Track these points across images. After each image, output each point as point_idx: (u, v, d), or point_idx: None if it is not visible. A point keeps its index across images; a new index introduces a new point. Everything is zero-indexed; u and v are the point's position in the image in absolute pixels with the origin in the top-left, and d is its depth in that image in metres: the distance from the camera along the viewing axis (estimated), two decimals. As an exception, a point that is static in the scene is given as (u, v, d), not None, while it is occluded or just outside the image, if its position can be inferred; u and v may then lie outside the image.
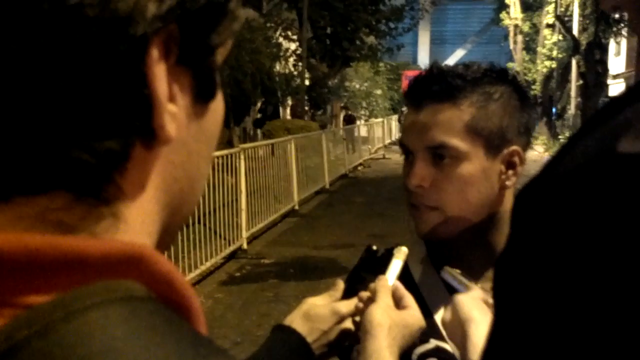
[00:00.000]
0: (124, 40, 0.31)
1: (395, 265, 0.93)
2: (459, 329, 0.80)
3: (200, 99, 0.37)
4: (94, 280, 0.31)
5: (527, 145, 0.99)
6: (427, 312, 0.95)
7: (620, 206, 0.30)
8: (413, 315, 0.86)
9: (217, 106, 0.40)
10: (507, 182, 0.96)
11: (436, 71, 0.97)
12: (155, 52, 0.32)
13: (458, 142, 0.93)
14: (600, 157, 0.32)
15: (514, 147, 0.96)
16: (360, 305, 0.89)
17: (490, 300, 0.81)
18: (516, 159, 0.96)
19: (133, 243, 0.33)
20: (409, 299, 0.88)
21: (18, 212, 0.31)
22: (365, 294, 0.89)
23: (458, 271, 0.92)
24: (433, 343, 0.93)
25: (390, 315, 0.84)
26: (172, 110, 0.34)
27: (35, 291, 0.30)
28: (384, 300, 0.86)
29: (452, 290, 0.89)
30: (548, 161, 0.37)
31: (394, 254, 0.96)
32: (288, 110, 17.77)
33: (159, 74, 0.33)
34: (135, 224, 0.35)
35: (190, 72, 0.35)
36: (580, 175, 0.32)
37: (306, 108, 15.98)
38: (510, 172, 0.96)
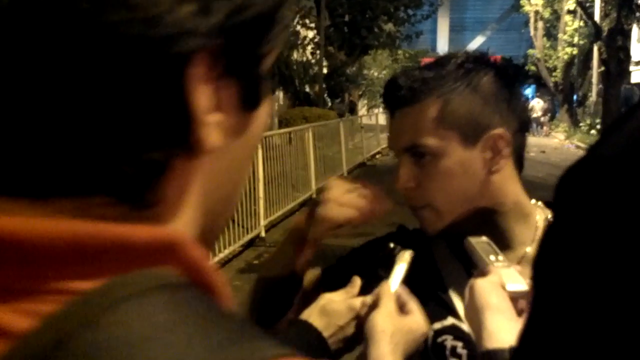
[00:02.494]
0: (167, 57, 0.31)
1: (399, 270, 0.93)
2: (475, 315, 0.79)
3: (247, 106, 0.37)
4: (136, 267, 0.31)
5: (521, 126, 0.99)
6: (445, 290, 0.97)
7: None
8: (416, 321, 0.86)
9: (263, 112, 0.40)
10: (494, 167, 0.96)
11: (401, 76, 1.00)
12: (197, 68, 0.32)
13: (429, 140, 0.95)
14: None
15: (496, 131, 0.95)
16: (364, 311, 0.89)
17: (508, 286, 0.80)
18: (500, 143, 0.95)
19: (169, 230, 0.34)
20: (412, 304, 0.88)
21: (58, 206, 0.32)
22: (367, 300, 0.90)
23: (484, 239, 0.90)
24: (450, 320, 0.95)
25: (393, 321, 0.84)
26: (216, 120, 0.34)
27: (82, 277, 0.30)
28: (386, 306, 0.86)
29: (472, 264, 0.89)
30: (594, 143, 0.36)
31: (398, 258, 0.95)
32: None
33: (200, 88, 0.33)
34: (176, 226, 0.35)
35: (237, 81, 0.35)
36: (627, 158, 0.32)
37: (324, 96, 15.93)
38: (497, 157, 0.96)
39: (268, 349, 0.31)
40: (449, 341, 0.93)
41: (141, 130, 0.32)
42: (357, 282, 0.96)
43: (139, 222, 0.33)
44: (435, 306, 0.96)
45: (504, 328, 0.75)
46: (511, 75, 1.00)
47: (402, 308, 0.87)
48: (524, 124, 1.00)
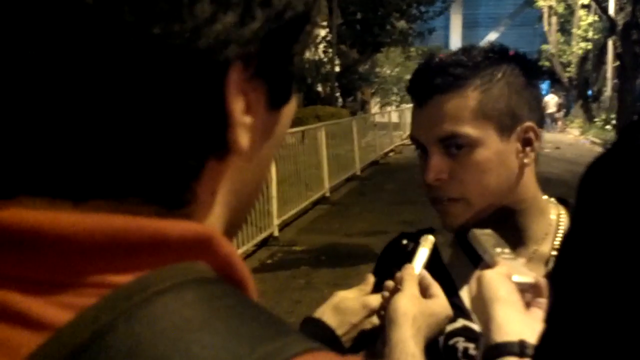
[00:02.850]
0: (208, 66, 0.32)
1: (422, 254, 0.92)
2: (483, 307, 0.78)
3: (275, 106, 0.38)
4: (171, 261, 0.32)
5: (541, 120, 0.99)
6: (455, 293, 0.95)
7: None
8: (440, 304, 0.85)
9: (288, 110, 0.40)
10: (526, 160, 0.96)
11: (434, 64, 0.97)
12: (235, 74, 0.33)
13: (469, 129, 0.92)
14: None
15: (528, 124, 0.95)
16: (386, 294, 0.88)
17: (514, 277, 0.79)
18: (531, 135, 0.96)
19: (202, 225, 0.35)
20: (435, 287, 0.87)
21: (94, 206, 0.32)
22: (391, 284, 0.89)
23: (488, 231, 0.90)
24: (461, 322, 0.93)
25: (416, 304, 0.83)
26: (247, 122, 0.35)
27: (119, 270, 0.31)
28: (409, 289, 0.85)
29: (479, 258, 0.88)
30: (622, 133, 0.35)
31: (420, 242, 0.95)
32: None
33: (237, 92, 0.34)
34: (206, 224, 0.36)
35: (267, 82, 0.36)
36: None
37: (337, 95, 15.92)
38: (528, 149, 0.96)
39: (298, 343, 0.31)
40: (461, 343, 0.92)
41: (180, 134, 0.33)
42: (370, 279, 0.96)
43: (173, 219, 0.34)
44: None
45: (513, 320, 0.74)
46: (533, 68, 0.99)
47: (424, 292, 0.86)
48: (542, 119, 0.99)
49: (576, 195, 0.35)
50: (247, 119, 0.35)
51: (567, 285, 0.35)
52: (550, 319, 0.36)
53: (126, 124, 0.31)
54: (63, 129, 0.31)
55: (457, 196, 0.94)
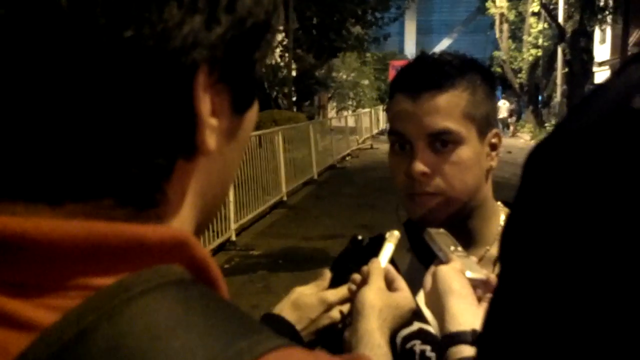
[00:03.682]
0: (176, 68, 0.33)
1: (388, 249, 0.95)
2: (438, 300, 0.82)
3: (239, 111, 0.40)
4: (149, 264, 0.34)
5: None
6: None
7: (635, 162, 0.29)
8: (404, 297, 0.87)
9: (252, 114, 0.42)
10: (492, 163, 1.00)
11: (428, 59, 1.00)
12: (202, 76, 0.35)
13: (458, 127, 0.95)
14: (615, 113, 0.32)
15: (495, 130, 1.01)
16: (353, 287, 0.90)
17: (467, 273, 0.84)
18: (496, 141, 1.01)
19: (179, 229, 0.37)
20: (400, 281, 0.89)
21: (69, 210, 0.34)
22: (357, 277, 0.90)
23: (442, 230, 0.93)
24: (416, 325, 0.95)
25: (382, 297, 0.85)
26: (213, 124, 0.36)
27: (101, 274, 0.33)
28: (376, 282, 0.87)
29: (433, 255, 0.90)
30: (561, 119, 0.37)
31: (387, 237, 0.97)
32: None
33: (204, 95, 0.35)
34: (175, 225, 0.38)
35: (231, 87, 0.37)
36: (595, 131, 0.32)
37: (293, 99, 15.93)
38: (494, 153, 1.01)
39: (271, 340, 0.33)
40: (418, 346, 0.94)
41: (151, 135, 0.34)
42: (327, 274, 0.97)
43: (146, 221, 0.35)
44: None
45: (466, 311, 0.78)
46: (493, 79, 1.04)
47: (389, 285, 0.89)
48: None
49: (519, 179, 0.37)
50: (214, 121, 0.36)
51: (509, 269, 0.36)
52: (493, 304, 0.37)
53: (98, 125, 0.32)
54: (36, 132, 0.32)
55: (437, 191, 0.96)
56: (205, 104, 0.35)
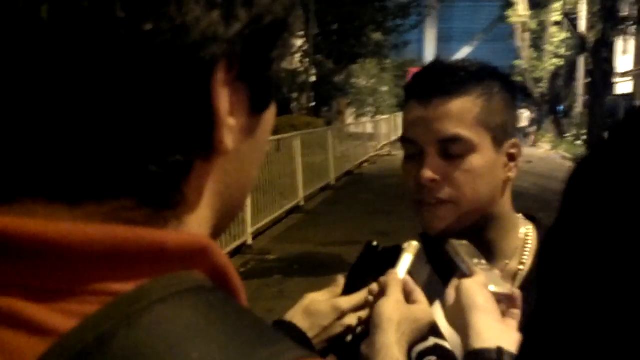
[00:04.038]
0: (194, 63, 0.33)
1: (406, 260, 0.93)
2: (461, 315, 0.80)
3: (256, 110, 0.39)
4: (169, 270, 0.33)
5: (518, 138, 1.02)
6: None
7: None
8: (423, 310, 0.86)
9: (270, 115, 0.42)
10: (510, 174, 0.98)
11: (442, 65, 0.99)
12: (220, 73, 0.34)
13: (470, 134, 0.93)
14: None
15: (514, 140, 0.98)
16: (371, 298, 0.89)
17: (491, 287, 0.81)
18: (516, 151, 0.98)
19: (201, 235, 0.36)
20: (418, 293, 0.87)
21: (90, 210, 0.33)
22: (375, 288, 0.89)
23: (465, 242, 0.90)
24: (432, 341, 0.93)
25: (401, 309, 0.83)
26: (231, 123, 0.36)
27: (120, 279, 0.32)
28: (394, 294, 0.85)
29: (455, 268, 0.88)
30: (605, 136, 0.36)
31: (404, 248, 0.95)
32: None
33: (222, 92, 0.35)
34: (194, 227, 0.37)
35: (249, 85, 0.37)
36: None
37: (312, 104, 15.96)
38: (512, 164, 0.98)
39: (292, 350, 0.33)
40: None
41: (169, 131, 0.33)
42: (340, 281, 0.96)
43: (165, 223, 0.35)
44: None
45: (491, 328, 0.76)
46: (516, 88, 1.02)
47: (408, 297, 0.87)
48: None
49: (560, 198, 0.36)
50: (231, 120, 0.36)
51: (549, 290, 0.35)
52: (531, 329, 0.36)
53: (117, 120, 0.32)
54: (54, 128, 0.32)
55: (447, 198, 0.94)
56: (223, 101, 0.35)
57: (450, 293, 0.83)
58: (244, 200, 0.44)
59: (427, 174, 0.93)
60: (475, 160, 0.93)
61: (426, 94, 0.95)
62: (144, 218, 0.34)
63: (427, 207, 0.96)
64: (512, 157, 0.98)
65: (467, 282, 0.81)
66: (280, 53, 0.39)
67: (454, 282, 0.84)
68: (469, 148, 0.93)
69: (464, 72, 0.96)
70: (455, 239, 0.91)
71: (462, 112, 0.93)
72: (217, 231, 0.41)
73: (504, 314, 0.80)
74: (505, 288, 0.82)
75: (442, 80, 0.95)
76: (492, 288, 0.81)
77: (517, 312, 0.79)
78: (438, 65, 1.00)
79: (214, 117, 0.35)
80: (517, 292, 0.81)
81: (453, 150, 0.93)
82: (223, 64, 0.34)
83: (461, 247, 0.89)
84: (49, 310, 0.31)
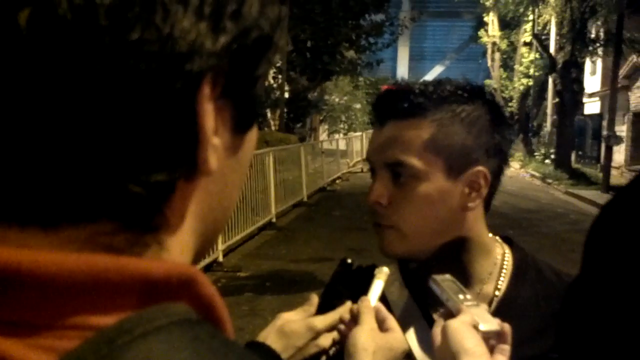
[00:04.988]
0: (180, 76, 0.31)
1: (377, 286, 0.91)
2: (449, 359, 0.76)
3: (240, 129, 0.38)
4: (154, 302, 0.32)
5: (499, 167, 0.96)
6: None
7: None
8: (396, 338, 0.84)
9: (252, 134, 0.40)
10: (470, 204, 0.94)
11: (401, 88, 0.96)
12: (206, 88, 0.33)
13: (415, 161, 0.91)
14: None
15: (479, 168, 0.93)
16: (342, 327, 0.87)
17: (480, 326, 0.77)
18: (481, 181, 0.93)
19: (186, 265, 0.35)
20: (391, 321, 0.86)
21: (67, 235, 0.31)
22: (346, 316, 0.87)
23: (448, 276, 0.87)
24: None
25: (375, 338, 0.82)
26: (216, 142, 0.34)
27: (101, 312, 0.30)
28: (367, 323, 0.84)
29: (439, 302, 0.85)
30: (631, 183, 0.35)
31: (375, 274, 0.93)
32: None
33: (208, 108, 0.33)
34: (176, 252, 0.35)
35: (233, 103, 0.36)
36: None
37: (285, 121, 15.98)
38: (474, 194, 0.94)
39: None
40: None
41: (152, 149, 0.32)
42: (314, 299, 0.94)
43: (146, 248, 0.33)
44: None
45: None
46: (501, 113, 0.98)
47: (380, 325, 0.85)
48: (501, 167, 0.97)
49: (584, 247, 0.35)
50: (216, 139, 0.34)
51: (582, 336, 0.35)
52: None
53: (97, 138, 0.30)
54: (29, 146, 0.30)
55: (391, 224, 0.94)
56: (209, 118, 0.33)
57: (437, 334, 0.79)
58: (225, 222, 0.42)
59: (372, 196, 0.94)
60: (421, 188, 0.91)
61: (381, 117, 0.97)
62: (124, 243, 0.33)
63: (377, 230, 0.96)
64: (474, 187, 0.93)
65: (454, 324, 0.77)
66: (265, 71, 0.38)
67: (440, 322, 0.80)
68: (415, 174, 0.91)
69: (421, 97, 0.93)
70: (438, 275, 0.87)
71: (410, 138, 0.92)
72: (198, 255, 0.39)
73: (492, 349, 0.77)
74: (493, 324, 0.78)
75: (397, 104, 0.94)
76: (482, 327, 0.78)
77: (506, 348, 0.77)
78: (398, 88, 0.97)
79: (199, 134, 0.33)
80: (507, 327, 0.78)
81: (400, 175, 0.93)
82: (209, 79, 0.33)
83: (445, 283, 0.85)
84: (25, 346, 0.29)
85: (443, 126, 0.92)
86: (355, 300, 0.90)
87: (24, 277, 0.29)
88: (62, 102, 0.29)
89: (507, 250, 1.02)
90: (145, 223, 0.33)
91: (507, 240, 1.04)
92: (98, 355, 0.29)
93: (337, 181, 15.75)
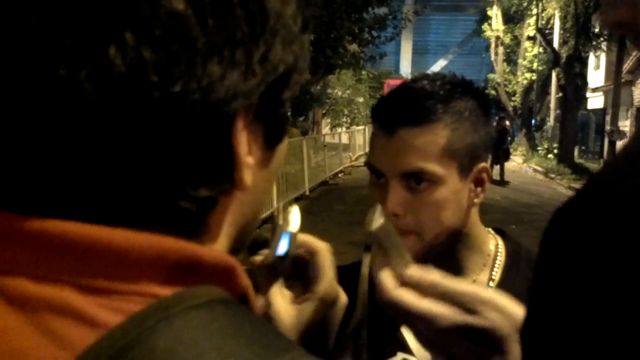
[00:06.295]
0: (218, 117, 0.37)
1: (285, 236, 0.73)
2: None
3: (271, 145, 0.44)
4: (201, 282, 0.38)
5: (492, 160, 0.97)
6: (394, 326, 0.92)
7: None
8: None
9: (283, 146, 0.46)
10: (476, 200, 0.95)
11: (408, 92, 0.93)
12: (240, 122, 0.39)
13: (435, 167, 0.89)
14: None
15: (483, 164, 0.94)
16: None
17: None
18: (484, 176, 0.95)
19: (229, 256, 0.41)
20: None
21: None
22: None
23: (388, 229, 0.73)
24: (400, 356, 0.92)
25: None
26: (250, 162, 0.40)
27: (161, 284, 0.37)
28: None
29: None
30: (601, 175, 0.36)
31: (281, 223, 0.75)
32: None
33: (242, 136, 0.39)
34: None
35: (264, 124, 0.42)
36: None
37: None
38: (479, 189, 0.95)
39: (307, 357, 0.37)
40: None
41: (197, 173, 0.38)
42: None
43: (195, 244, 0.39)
44: (385, 342, 0.93)
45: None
46: (490, 104, 0.97)
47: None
48: (494, 158, 0.99)
49: (540, 245, 0.36)
50: (250, 159, 0.40)
51: (536, 341, 0.36)
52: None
53: (153, 168, 0.36)
54: (98, 172, 0.36)
55: (410, 230, 0.91)
56: (243, 144, 0.39)
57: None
58: (256, 225, 0.48)
59: (392, 208, 0.90)
60: (440, 193, 0.90)
61: (390, 124, 0.91)
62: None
63: None
64: (479, 182, 0.95)
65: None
66: (292, 93, 0.43)
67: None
68: (435, 180, 0.90)
69: (432, 100, 0.91)
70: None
71: (427, 145, 0.89)
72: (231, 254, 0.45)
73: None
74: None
75: (408, 110, 0.91)
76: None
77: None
78: (406, 90, 0.94)
79: (234, 159, 0.39)
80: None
81: (417, 183, 0.90)
82: (242, 114, 0.39)
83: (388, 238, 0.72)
84: (98, 306, 0.35)
85: (455, 129, 0.91)
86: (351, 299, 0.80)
87: (102, 249, 0.35)
88: (124, 144, 0.35)
89: (500, 242, 1.02)
90: (191, 230, 0.39)
91: (499, 231, 1.05)
92: (158, 317, 0.34)
93: (339, 175, 15.76)
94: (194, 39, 0.35)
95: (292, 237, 0.73)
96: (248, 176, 0.40)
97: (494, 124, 0.97)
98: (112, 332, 0.34)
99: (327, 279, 0.76)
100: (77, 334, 0.34)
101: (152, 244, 0.36)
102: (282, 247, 0.71)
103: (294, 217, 0.74)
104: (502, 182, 14.19)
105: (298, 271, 0.77)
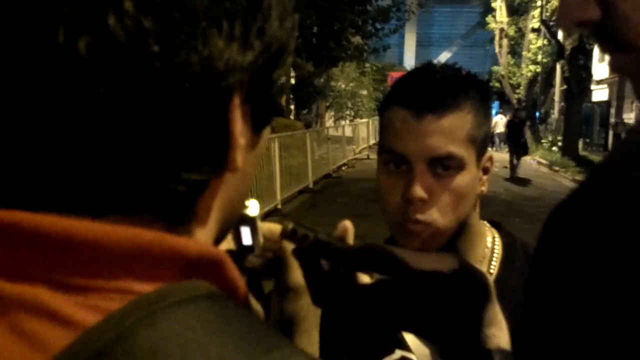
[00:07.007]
0: (216, 91, 0.36)
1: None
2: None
3: (259, 128, 0.42)
4: (186, 277, 0.36)
5: (510, 154, 0.98)
6: (393, 324, 0.91)
7: None
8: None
9: (267, 130, 0.45)
10: (483, 188, 0.95)
11: (432, 75, 0.92)
12: (236, 99, 0.38)
13: (463, 152, 0.88)
14: None
15: (490, 153, 0.96)
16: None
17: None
18: (489, 165, 0.96)
19: (216, 248, 0.39)
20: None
21: (113, 220, 0.35)
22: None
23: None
24: (398, 354, 0.92)
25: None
26: (242, 143, 0.39)
27: (142, 280, 0.35)
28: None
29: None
30: (608, 169, 0.36)
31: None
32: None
33: (238, 115, 0.38)
34: (201, 240, 0.40)
35: (253, 105, 0.40)
36: None
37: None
38: (485, 177, 0.95)
39: (301, 354, 0.36)
40: None
41: (192, 154, 0.36)
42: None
43: (180, 236, 0.37)
44: (383, 340, 0.92)
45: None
46: (489, 94, 0.97)
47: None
48: (512, 151, 1.00)
49: (538, 238, 0.36)
50: (242, 140, 0.39)
51: (532, 336, 0.36)
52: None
53: (144, 144, 0.34)
54: (82, 150, 0.34)
55: (430, 221, 0.89)
56: (238, 123, 0.38)
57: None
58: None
59: (419, 192, 0.87)
60: (463, 179, 0.89)
61: (419, 105, 0.89)
62: (163, 230, 0.37)
63: (412, 228, 0.90)
64: (486, 171, 0.95)
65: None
66: (281, 73, 0.42)
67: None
68: (460, 166, 0.89)
69: (455, 84, 0.90)
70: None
71: (455, 128, 0.88)
72: (217, 241, 0.43)
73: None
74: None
75: (436, 93, 0.89)
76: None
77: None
78: (429, 72, 0.92)
79: (229, 138, 0.38)
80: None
81: (443, 168, 0.88)
82: (238, 90, 0.37)
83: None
84: (74, 304, 0.33)
85: (476, 115, 0.91)
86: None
87: (78, 243, 0.33)
88: (119, 118, 0.34)
89: (496, 235, 1.02)
90: (180, 215, 0.38)
91: (494, 224, 1.04)
92: (138, 316, 0.33)
93: (343, 168, 15.74)
94: (194, 9, 0.34)
95: (253, 224, 0.64)
96: (240, 157, 0.39)
97: (509, 116, 0.97)
98: (89, 333, 0.32)
99: (294, 268, 0.68)
100: (52, 335, 0.32)
101: (131, 237, 0.34)
102: (246, 237, 0.64)
103: (252, 207, 0.65)
104: (514, 179, 14.08)
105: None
